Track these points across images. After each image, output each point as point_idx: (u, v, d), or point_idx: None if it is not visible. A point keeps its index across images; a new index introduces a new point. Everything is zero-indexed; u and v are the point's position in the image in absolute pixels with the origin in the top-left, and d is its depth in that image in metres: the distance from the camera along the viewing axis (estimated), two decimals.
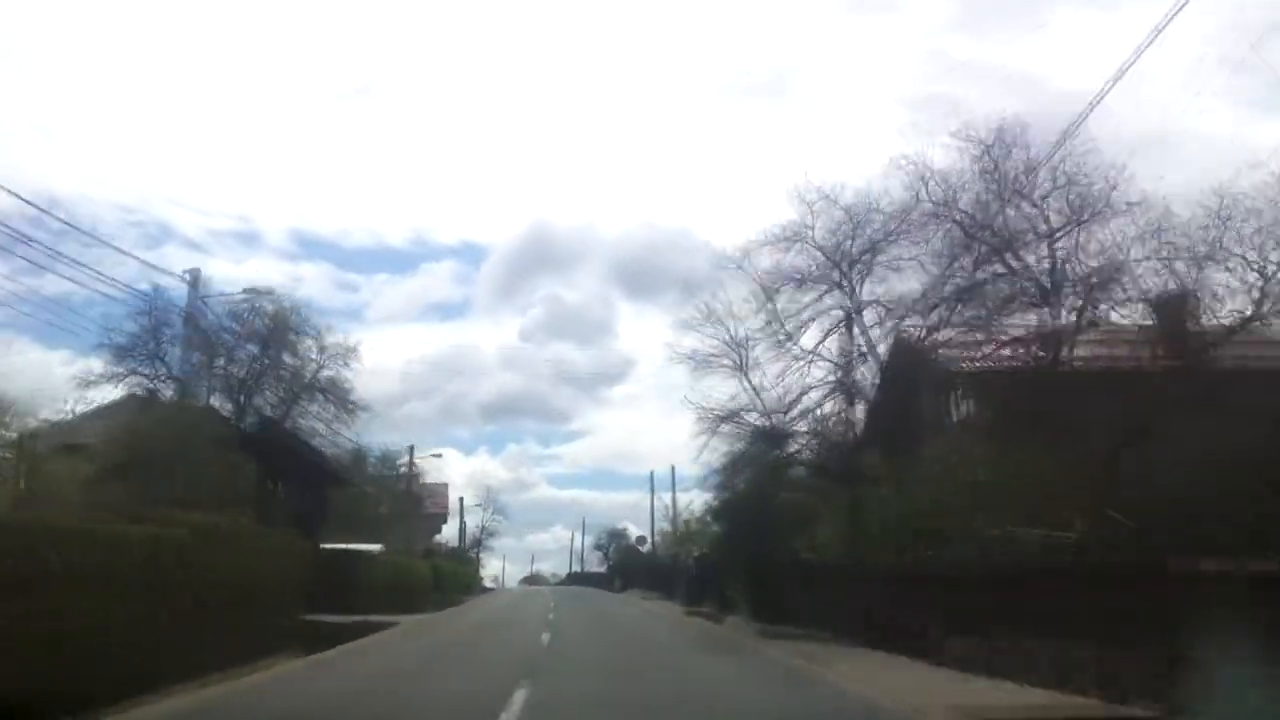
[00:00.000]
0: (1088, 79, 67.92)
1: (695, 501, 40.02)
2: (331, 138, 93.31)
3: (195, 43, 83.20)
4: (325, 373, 38.36)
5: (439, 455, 54.13)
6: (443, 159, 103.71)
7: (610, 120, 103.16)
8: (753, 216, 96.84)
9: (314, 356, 37.77)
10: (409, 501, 76.12)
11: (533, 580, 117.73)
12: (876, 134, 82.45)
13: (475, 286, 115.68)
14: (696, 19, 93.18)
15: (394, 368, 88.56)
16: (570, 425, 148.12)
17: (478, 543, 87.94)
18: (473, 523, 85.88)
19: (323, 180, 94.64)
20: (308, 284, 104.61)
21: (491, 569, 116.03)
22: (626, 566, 75.70)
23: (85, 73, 74.99)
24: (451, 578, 52.36)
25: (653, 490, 60.54)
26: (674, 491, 56.16)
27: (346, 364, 39.41)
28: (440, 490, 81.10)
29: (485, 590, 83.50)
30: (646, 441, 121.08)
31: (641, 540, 61.81)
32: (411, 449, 53.07)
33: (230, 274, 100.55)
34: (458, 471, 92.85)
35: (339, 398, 39.95)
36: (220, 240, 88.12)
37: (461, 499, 78.30)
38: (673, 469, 57.54)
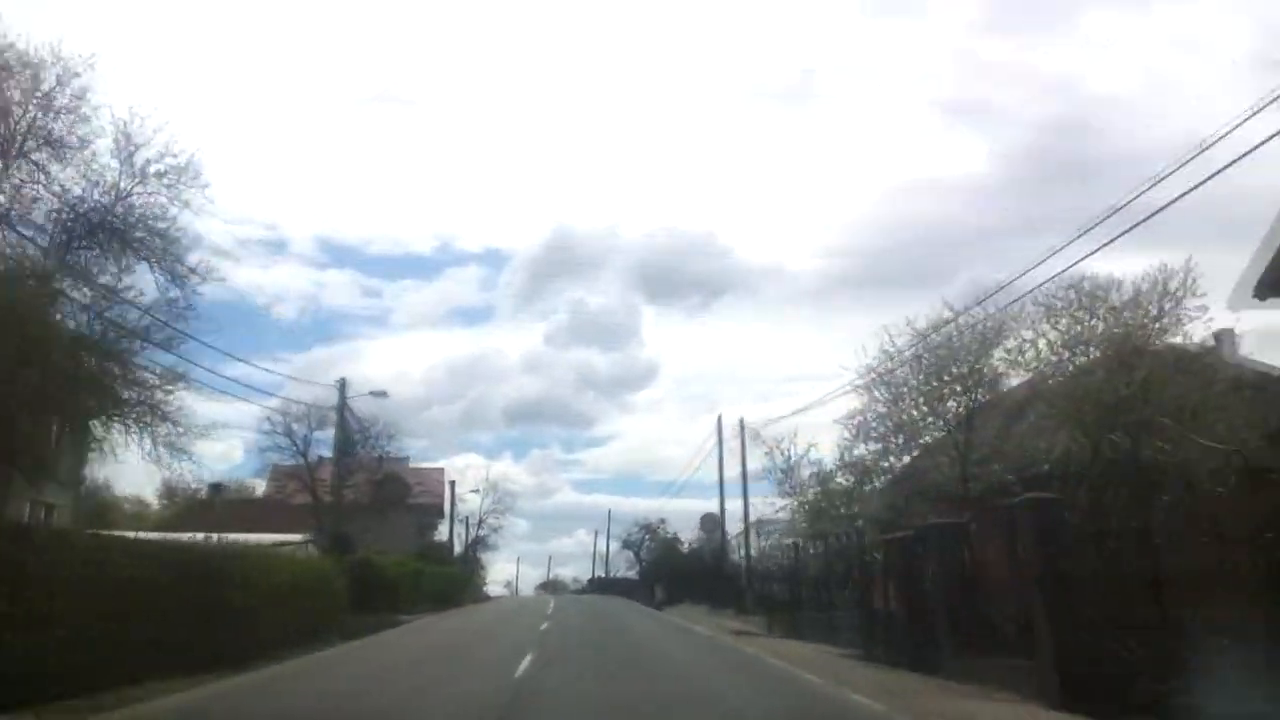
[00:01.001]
0: (1120, 81, 69.28)
1: (819, 450, 21.10)
2: (356, 145, 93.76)
3: (222, 52, 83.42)
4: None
5: (383, 394, 36.37)
6: (467, 166, 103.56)
7: (633, 124, 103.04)
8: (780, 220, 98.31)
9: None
10: (394, 487, 59.74)
11: (551, 586, 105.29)
12: (906, 136, 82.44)
13: (499, 292, 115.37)
14: (720, 23, 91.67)
15: (418, 373, 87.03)
16: (593, 430, 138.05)
17: (478, 540, 70.42)
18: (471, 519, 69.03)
19: (348, 188, 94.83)
20: (333, 290, 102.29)
21: (505, 573, 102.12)
22: (666, 569, 57.37)
23: (111, 82, 65.20)
24: (411, 582, 34.58)
25: (721, 443, 40.67)
26: (743, 454, 37.70)
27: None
28: (433, 476, 63.82)
29: (485, 599, 67.13)
30: (670, 447, 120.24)
31: (713, 521, 41.68)
32: (343, 383, 34.78)
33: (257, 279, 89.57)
34: (480, 477, 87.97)
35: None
36: (248, 248, 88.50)
37: (453, 483, 60.39)
38: (741, 422, 39.09)
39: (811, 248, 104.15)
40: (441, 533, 66.03)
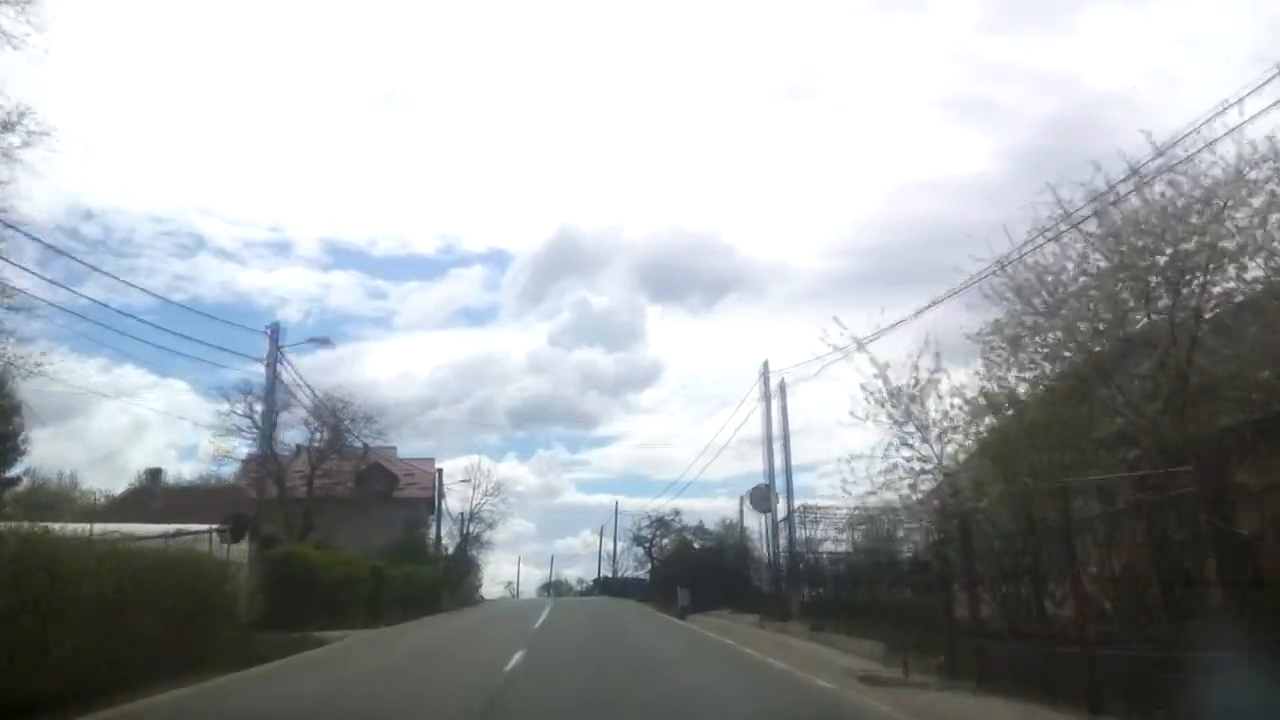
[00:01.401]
0: (1121, 78, 67.40)
1: (952, 378, 13.10)
2: (360, 146, 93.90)
3: (225, 55, 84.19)
4: None
5: (326, 342, 29.27)
6: (471, 166, 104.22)
7: (635, 123, 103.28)
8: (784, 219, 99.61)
9: None
10: (377, 479, 53.77)
11: (554, 588, 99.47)
12: (909, 135, 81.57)
13: (503, 292, 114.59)
14: (722, 22, 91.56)
15: (423, 374, 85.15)
16: (598, 430, 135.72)
17: (467, 536, 63.77)
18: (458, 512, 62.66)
19: (352, 189, 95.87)
20: (338, 292, 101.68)
21: (506, 572, 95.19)
22: (680, 567, 50.21)
23: (120, 86, 75.74)
24: (366, 586, 27.40)
25: (769, 396, 31.64)
26: (785, 418, 30.43)
27: None
28: (423, 468, 57.11)
29: (478, 602, 60.74)
30: (675, 448, 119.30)
31: (763, 497, 32.63)
32: (275, 330, 27.35)
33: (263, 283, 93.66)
34: (473, 467, 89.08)
35: None
36: (253, 250, 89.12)
37: (440, 470, 53.64)
38: (782, 385, 31.78)
39: (816, 247, 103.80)
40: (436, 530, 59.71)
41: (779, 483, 30.67)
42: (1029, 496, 10.80)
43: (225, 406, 30.94)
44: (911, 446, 12.74)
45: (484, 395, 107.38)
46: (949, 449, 12.64)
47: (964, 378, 13.41)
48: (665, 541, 62.51)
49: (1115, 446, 12.34)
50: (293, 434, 36.01)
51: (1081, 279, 13.22)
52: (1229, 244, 12.34)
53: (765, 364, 32.54)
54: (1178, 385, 12.05)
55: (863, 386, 13.64)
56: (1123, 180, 12.55)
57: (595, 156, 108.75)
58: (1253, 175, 12.25)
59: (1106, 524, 10.08)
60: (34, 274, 17.73)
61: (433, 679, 13.98)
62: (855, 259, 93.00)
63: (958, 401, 12.54)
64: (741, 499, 40.87)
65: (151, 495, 41.83)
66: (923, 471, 12.75)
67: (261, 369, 26.67)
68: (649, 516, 63.10)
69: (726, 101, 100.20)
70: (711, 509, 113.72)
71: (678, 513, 60.23)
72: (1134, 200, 12.72)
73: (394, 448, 55.73)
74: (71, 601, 10.63)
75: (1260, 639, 7.11)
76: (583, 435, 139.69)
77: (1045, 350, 13.04)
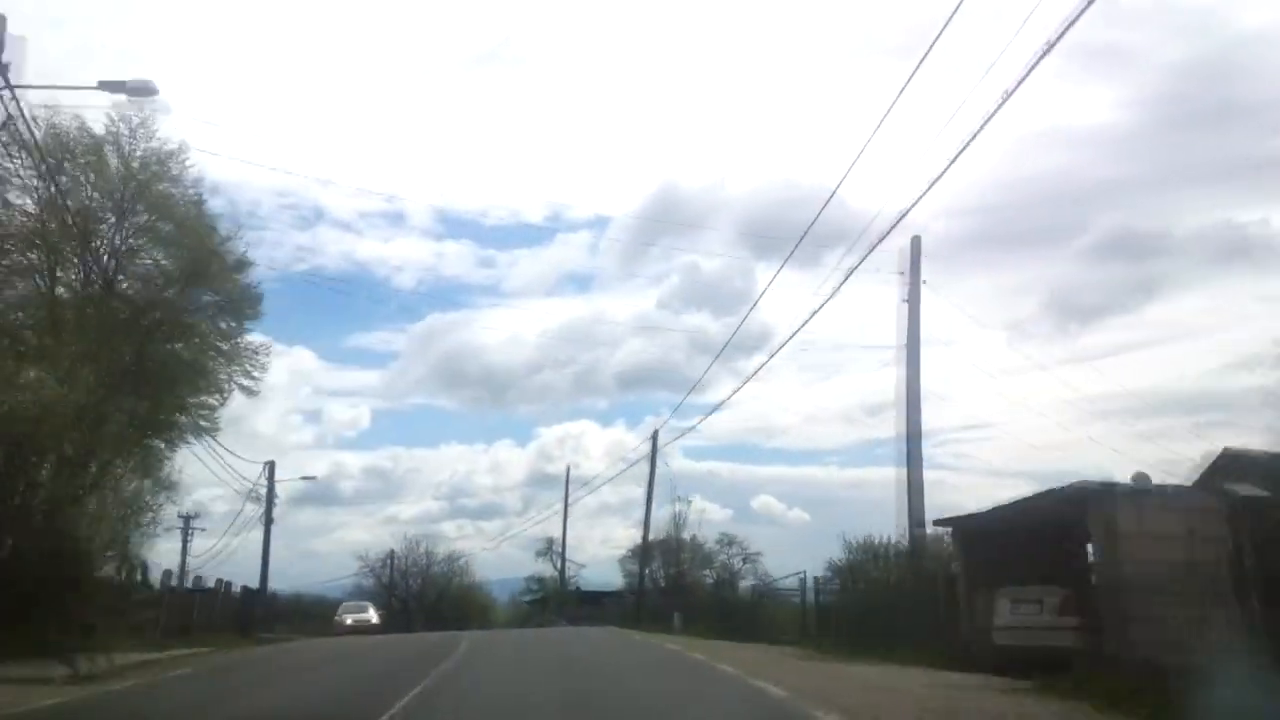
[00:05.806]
0: (1270, 15, 66.18)
1: None
2: (468, 112, 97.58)
3: (340, 29, 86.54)
4: None
5: None
6: (577, 130, 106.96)
7: (744, 77, 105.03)
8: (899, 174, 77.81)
9: None
10: None
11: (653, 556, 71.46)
12: (1029, 84, 46.44)
13: (607, 257, 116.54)
14: None
15: (531, 339, 74.98)
16: (706, 396, 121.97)
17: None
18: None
19: (463, 156, 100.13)
20: (450, 261, 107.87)
21: (488, 542, 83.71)
22: None
23: (246, 67, 77.01)
24: None
25: None
26: None
27: None
28: None
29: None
30: (785, 415, 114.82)
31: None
32: None
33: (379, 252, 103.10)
34: (595, 443, 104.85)
35: None
36: (369, 220, 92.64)
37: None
38: None
39: (933, 205, 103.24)
40: None
41: None
42: None
43: None
44: None
45: (592, 360, 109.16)
46: None
47: None
48: None
49: None
50: None
51: None
52: None
53: None
54: None
55: None
56: None
57: (701, 114, 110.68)
58: None
59: None
60: None
61: None
62: (974, 217, 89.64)
63: None
64: None
65: None
66: None
67: None
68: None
69: (838, 56, 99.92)
70: (819, 479, 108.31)
71: None
72: None
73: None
74: None
75: None
76: (691, 401, 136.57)
77: None
